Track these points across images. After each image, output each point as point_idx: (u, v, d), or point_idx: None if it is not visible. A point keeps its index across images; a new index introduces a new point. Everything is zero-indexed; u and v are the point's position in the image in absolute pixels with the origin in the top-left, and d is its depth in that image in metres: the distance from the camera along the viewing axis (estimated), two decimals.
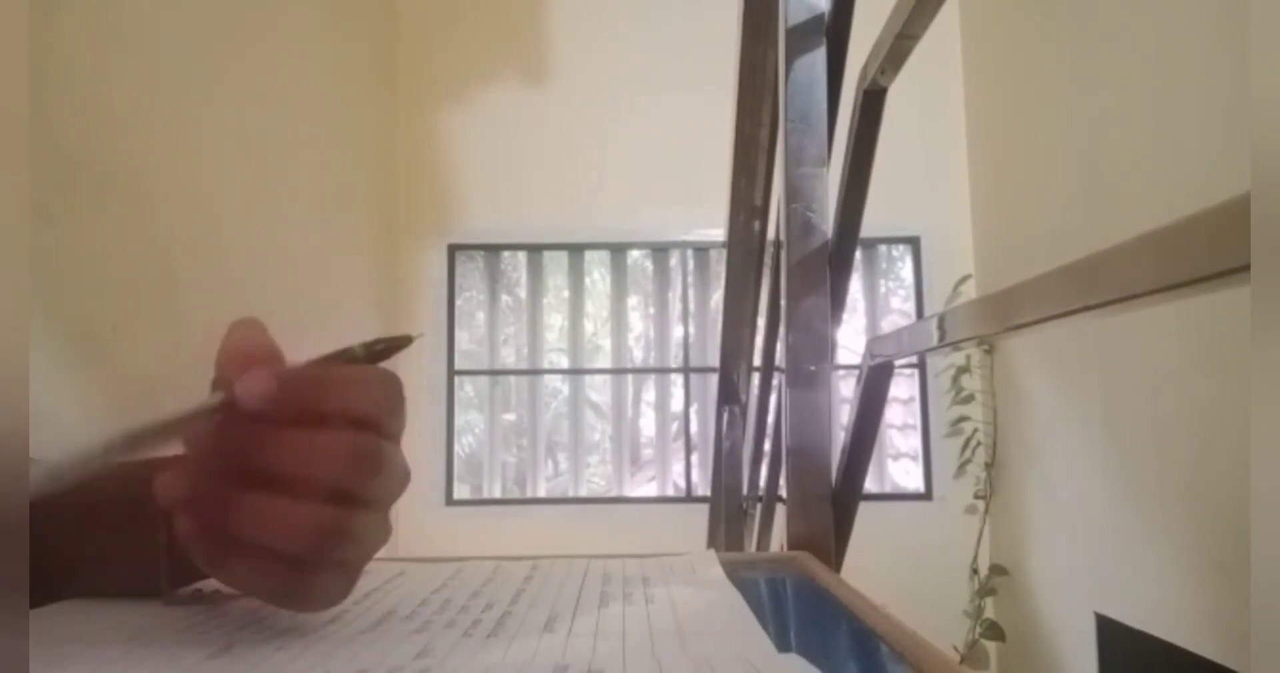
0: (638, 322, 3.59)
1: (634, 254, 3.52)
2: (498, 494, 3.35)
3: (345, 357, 0.36)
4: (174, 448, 0.33)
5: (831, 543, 0.69)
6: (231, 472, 0.32)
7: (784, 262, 0.77)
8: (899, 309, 3.49)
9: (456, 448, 3.31)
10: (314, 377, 0.34)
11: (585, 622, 0.38)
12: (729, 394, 1.63)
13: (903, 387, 3.31)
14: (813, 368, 0.74)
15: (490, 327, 3.43)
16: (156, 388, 1.38)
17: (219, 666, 0.32)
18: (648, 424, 3.53)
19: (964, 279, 3.15)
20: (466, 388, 3.44)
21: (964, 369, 3.09)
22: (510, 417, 3.53)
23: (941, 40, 3.23)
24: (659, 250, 3.46)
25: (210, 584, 0.40)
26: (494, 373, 3.43)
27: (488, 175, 3.29)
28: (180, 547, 0.34)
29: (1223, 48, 1.79)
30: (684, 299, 3.45)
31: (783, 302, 0.77)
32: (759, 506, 1.45)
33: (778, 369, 1.27)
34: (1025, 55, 2.82)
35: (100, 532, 0.41)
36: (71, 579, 0.42)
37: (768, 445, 1.44)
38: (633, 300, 3.54)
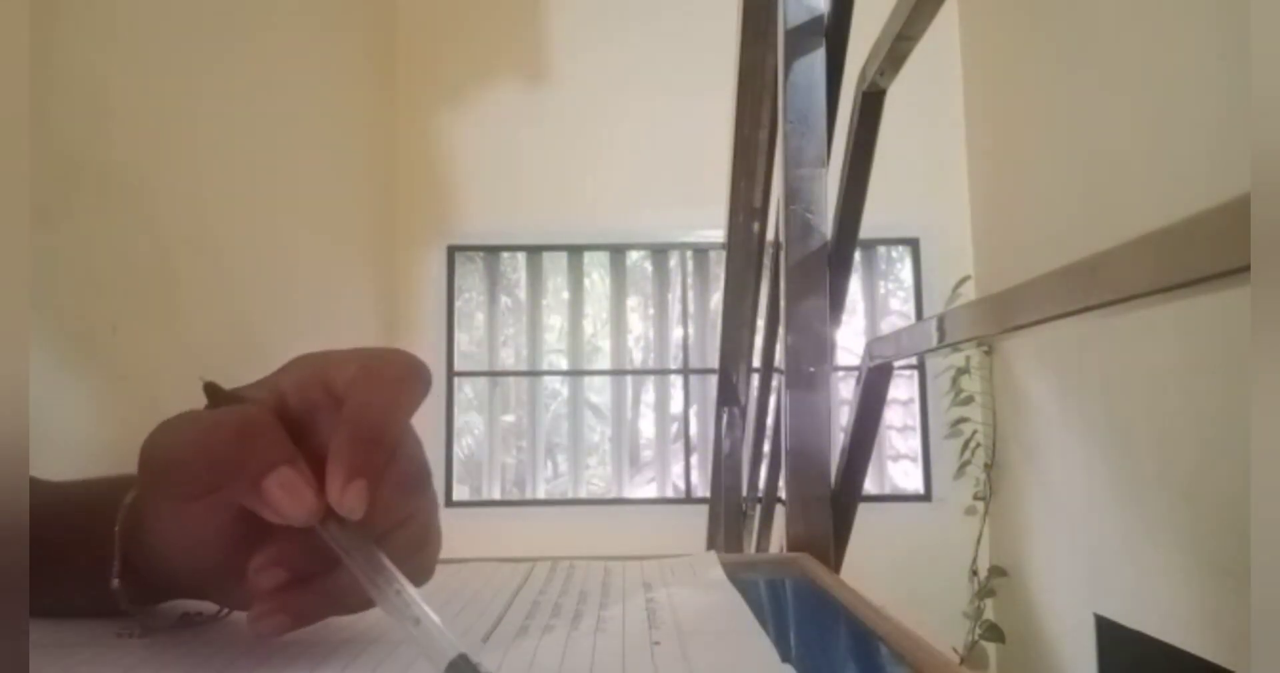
0: (637, 323, 3.59)
1: (633, 255, 3.52)
2: (497, 496, 3.35)
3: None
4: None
5: (831, 544, 0.69)
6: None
7: (783, 263, 0.77)
8: (898, 310, 3.49)
9: (456, 449, 3.31)
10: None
11: (585, 623, 0.38)
12: (728, 396, 1.63)
13: (902, 388, 3.31)
14: (812, 369, 0.74)
15: (490, 328, 3.43)
16: (156, 388, 1.38)
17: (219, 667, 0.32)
18: (647, 426, 3.53)
19: (963, 280, 3.15)
20: (466, 389, 3.44)
21: (963, 370, 3.09)
22: (510, 418, 3.53)
23: (941, 41, 3.23)
24: (658, 252, 3.46)
25: (194, 606, 0.37)
26: (493, 374, 3.43)
27: (487, 176, 3.29)
28: (146, 567, 0.34)
29: (1222, 48, 1.79)
30: (683, 300, 3.44)
31: (782, 303, 0.77)
32: (758, 507, 1.45)
33: (777, 371, 1.27)
34: (1024, 56, 2.83)
35: (48, 551, 0.33)
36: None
37: (767, 447, 1.44)
38: (632, 302, 3.54)
